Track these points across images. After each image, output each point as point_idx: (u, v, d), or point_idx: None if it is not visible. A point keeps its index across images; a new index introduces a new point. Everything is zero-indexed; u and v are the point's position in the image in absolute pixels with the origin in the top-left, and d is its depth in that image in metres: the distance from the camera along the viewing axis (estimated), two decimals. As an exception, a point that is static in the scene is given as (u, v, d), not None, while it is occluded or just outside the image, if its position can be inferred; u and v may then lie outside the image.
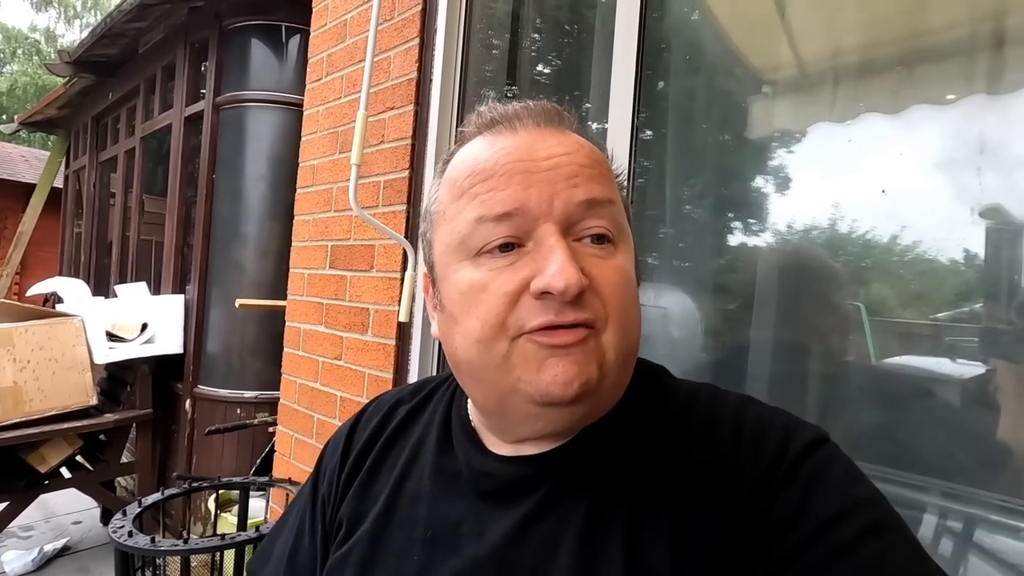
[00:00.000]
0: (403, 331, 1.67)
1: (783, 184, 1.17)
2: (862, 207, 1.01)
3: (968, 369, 0.91)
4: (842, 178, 1.07)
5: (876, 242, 1.01)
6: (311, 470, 0.63)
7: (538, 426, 0.46)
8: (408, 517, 0.52)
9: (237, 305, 2.33)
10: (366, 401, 0.70)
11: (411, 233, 1.68)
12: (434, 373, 1.66)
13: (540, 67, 1.76)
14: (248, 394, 3.00)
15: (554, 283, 0.40)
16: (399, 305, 1.60)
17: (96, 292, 4.44)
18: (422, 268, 1.73)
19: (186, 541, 1.40)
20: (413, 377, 1.65)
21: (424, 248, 0.53)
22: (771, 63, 1.22)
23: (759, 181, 1.22)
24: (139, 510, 1.56)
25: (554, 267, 0.41)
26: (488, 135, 0.48)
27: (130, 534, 1.41)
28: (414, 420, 0.59)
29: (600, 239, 0.45)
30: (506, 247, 0.44)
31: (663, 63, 1.35)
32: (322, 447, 0.64)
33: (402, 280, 1.62)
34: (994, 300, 0.88)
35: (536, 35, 1.74)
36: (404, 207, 1.70)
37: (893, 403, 1.00)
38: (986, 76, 0.90)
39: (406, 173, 1.70)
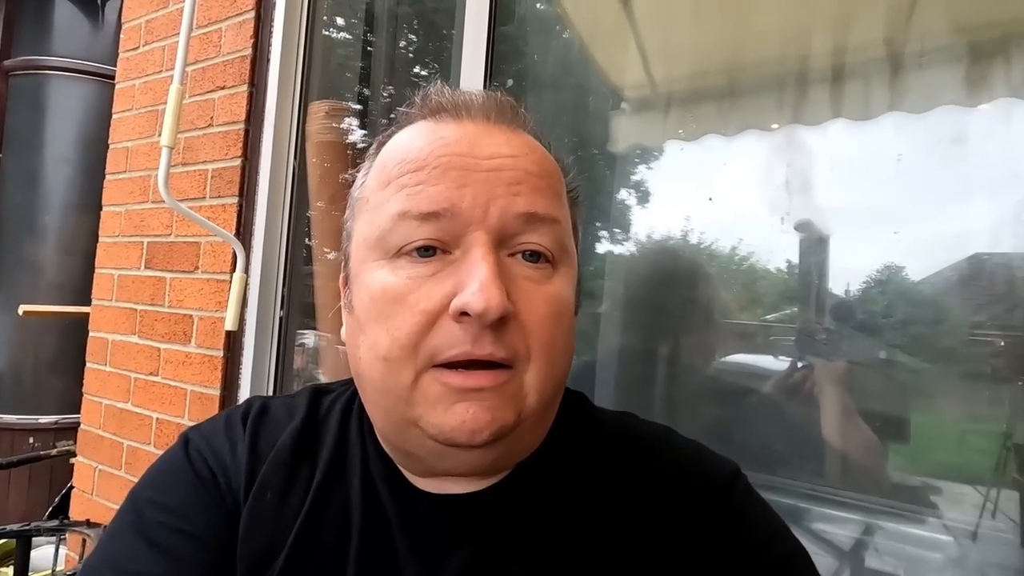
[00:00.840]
0: (233, 341, 1.47)
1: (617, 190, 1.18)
2: (699, 218, 1.08)
3: (785, 365, 0.99)
4: (679, 187, 1.13)
5: (712, 249, 1.07)
6: (132, 502, 0.47)
7: (446, 465, 0.41)
8: (328, 556, 0.44)
9: (21, 312, 1.91)
10: (188, 423, 0.54)
11: (243, 229, 1.48)
12: (271, 390, 1.48)
13: (395, 49, 1.65)
14: (45, 419, 2.54)
15: (472, 303, 0.36)
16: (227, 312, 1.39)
17: None
18: (255, 268, 1.52)
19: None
20: (245, 394, 1.45)
21: (344, 239, 0.47)
22: (625, 78, 1.23)
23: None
24: None
25: (475, 284, 0.37)
26: (430, 121, 0.44)
27: None
28: (316, 435, 0.49)
29: (535, 256, 0.41)
30: (427, 251, 0.39)
31: (513, 55, 1.32)
32: (180, 458, 0.48)
33: (231, 283, 1.42)
34: (806, 303, 1.00)
35: (391, 14, 1.63)
36: (236, 200, 1.49)
37: (728, 400, 1.06)
38: (803, 108, 1.01)
39: (238, 162, 1.50)
